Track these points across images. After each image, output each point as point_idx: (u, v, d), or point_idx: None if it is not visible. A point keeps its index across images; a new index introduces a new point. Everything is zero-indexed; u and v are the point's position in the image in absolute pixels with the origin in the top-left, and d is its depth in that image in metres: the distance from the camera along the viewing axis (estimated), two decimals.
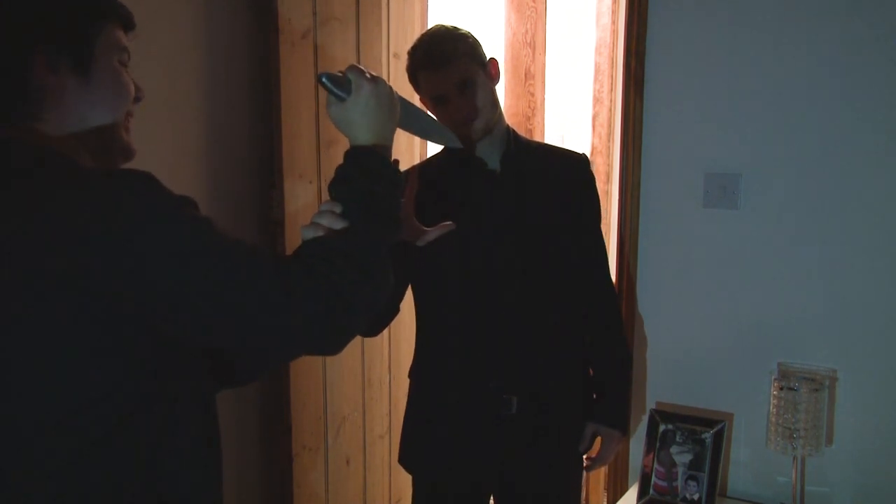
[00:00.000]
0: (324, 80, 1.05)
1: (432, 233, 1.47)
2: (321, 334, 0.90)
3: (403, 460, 1.83)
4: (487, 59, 1.69)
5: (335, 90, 1.05)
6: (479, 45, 1.68)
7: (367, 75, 1.06)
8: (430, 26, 2.75)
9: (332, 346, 0.95)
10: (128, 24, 1.01)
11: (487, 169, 1.70)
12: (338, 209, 0.99)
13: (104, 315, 0.84)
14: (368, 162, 1.03)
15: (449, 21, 1.74)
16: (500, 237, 1.68)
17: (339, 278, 0.91)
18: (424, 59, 1.63)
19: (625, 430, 1.85)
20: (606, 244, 1.89)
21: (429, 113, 1.32)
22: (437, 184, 1.64)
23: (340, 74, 1.06)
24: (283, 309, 0.87)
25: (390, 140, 1.08)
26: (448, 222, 1.47)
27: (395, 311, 1.69)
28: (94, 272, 0.82)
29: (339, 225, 0.97)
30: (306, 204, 2.10)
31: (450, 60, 1.61)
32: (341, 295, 0.90)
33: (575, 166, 1.78)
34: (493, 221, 1.68)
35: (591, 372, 1.84)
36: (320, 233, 0.97)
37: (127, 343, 0.86)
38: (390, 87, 1.08)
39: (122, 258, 0.82)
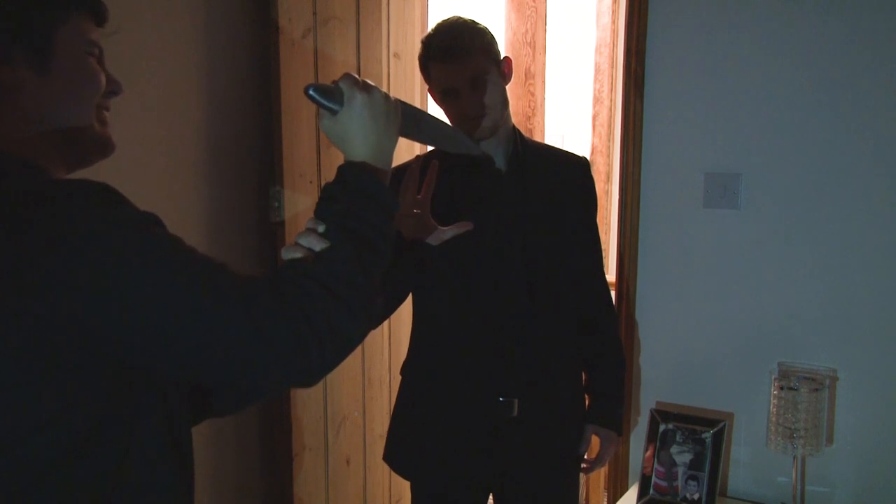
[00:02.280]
0: (311, 92, 0.96)
1: (448, 231, 1.45)
2: (290, 367, 0.83)
3: (391, 459, 1.80)
4: (502, 57, 1.66)
5: (325, 102, 0.96)
6: (496, 42, 1.65)
7: (361, 84, 0.97)
8: (430, 26, 2.75)
9: (303, 379, 0.87)
10: (98, 17, 0.94)
11: (493, 168, 1.68)
12: (321, 229, 0.90)
13: (55, 339, 0.77)
14: (356, 180, 0.94)
15: None
16: (505, 237, 1.66)
17: (312, 307, 0.83)
18: (439, 51, 1.58)
19: (621, 431, 1.85)
20: (606, 244, 1.89)
21: (440, 119, 1.24)
22: (441, 179, 1.58)
23: (332, 85, 0.97)
24: (248, 340, 0.80)
25: (389, 154, 0.99)
26: (465, 222, 1.45)
27: (396, 306, 1.66)
28: (43, 297, 0.76)
29: (319, 247, 0.89)
30: (307, 204, 2.10)
31: (465, 54, 1.57)
32: (313, 325, 0.82)
33: (577, 169, 1.78)
34: (499, 221, 1.66)
35: (585, 372, 1.84)
36: (299, 254, 0.89)
37: (77, 367, 0.80)
38: (385, 95, 0.99)
39: (71, 283, 0.76)
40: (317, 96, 0.96)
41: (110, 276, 0.77)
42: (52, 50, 0.88)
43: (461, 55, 1.57)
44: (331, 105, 0.96)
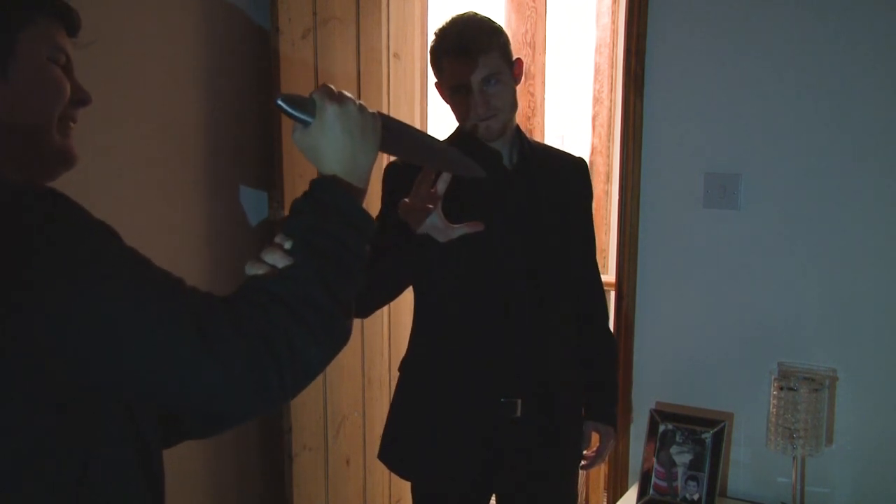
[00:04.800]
0: (279, 102, 0.90)
1: (458, 229, 1.44)
2: (246, 392, 0.77)
3: (388, 457, 1.78)
4: (514, 58, 1.65)
5: (295, 113, 0.91)
6: (510, 43, 1.63)
7: (335, 95, 0.92)
8: (430, 26, 2.75)
9: (261, 404, 0.80)
10: (69, 26, 0.90)
11: (501, 165, 1.67)
12: (288, 245, 0.85)
13: None
14: (325, 194, 0.88)
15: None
16: (511, 235, 1.66)
17: (271, 328, 0.78)
18: (455, 46, 1.56)
19: (617, 426, 1.86)
20: (606, 244, 1.89)
21: (435, 137, 1.16)
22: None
23: (305, 96, 0.93)
24: (200, 363, 0.75)
25: (364, 169, 0.94)
26: (476, 222, 1.44)
27: (392, 299, 1.64)
28: None
29: (283, 264, 0.84)
30: None
31: (481, 52, 1.55)
32: (271, 348, 0.77)
33: (577, 168, 1.79)
34: (505, 219, 1.65)
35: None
36: (262, 271, 0.84)
37: (22, 380, 0.75)
38: (361, 108, 0.94)
39: (14, 296, 0.72)
40: (286, 106, 0.91)
41: (54, 290, 0.73)
42: (11, 54, 0.83)
43: (477, 52, 1.55)
44: (302, 116, 0.91)
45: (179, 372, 0.76)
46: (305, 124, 0.92)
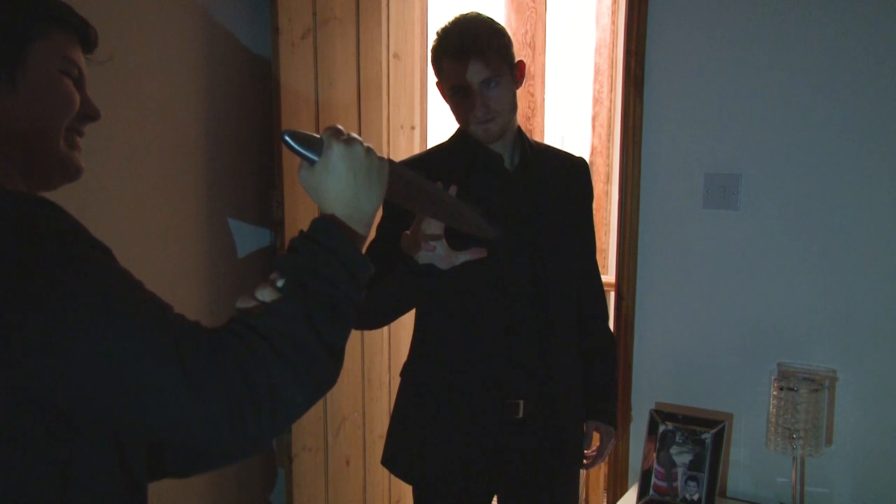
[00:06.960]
0: (286, 138, 0.89)
1: (460, 256, 1.42)
2: (222, 426, 0.75)
3: (392, 463, 1.79)
4: (516, 60, 1.63)
5: (301, 150, 0.89)
6: (512, 45, 1.62)
7: (343, 136, 0.91)
8: (430, 26, 2.75)
9: (238, 441, 0.77)
10: (85, 42, 0.91)
11: (502, 168, 1.67)
12: (280, 283, 0.83)
13: None
14: (320, 234, 0.87)
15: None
16: (513, 238, 1.65)
17: (251, 362, 0.76)
18: (456, 46, 1.55)
19: (617, 426, 1.86)
20: (606, 244, 1.89)
21: (441, 188, 1.11)
22: (448, 179, 1.44)
23: (313, 134, 0.91)
24: (177, 391, 0.73)
25: (366, 214, 0.91)
26: (480, 248, 1.43)
27: (395, 319, 1.65)
28: None
29: (270, 299, 0.83)
30: (307, 205, 2.10)
31: (482, 53, 1.53)
32: (250, 383, 0.75)
33: (578, 169, 1.78)
34: (507, 222, 1.63)
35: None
36: (251, 305, 0.83)
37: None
38: (368, 150, 0.92)
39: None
40: (292, 143, 0.89)
41: (38, 310, 0.72)
42: (22, 63, 0.84)
43: (478, 53, 1.54)
44: (308, 154, 0.90)
45: (154, 397, 0.74)
46: (311, 162, 0.90)
